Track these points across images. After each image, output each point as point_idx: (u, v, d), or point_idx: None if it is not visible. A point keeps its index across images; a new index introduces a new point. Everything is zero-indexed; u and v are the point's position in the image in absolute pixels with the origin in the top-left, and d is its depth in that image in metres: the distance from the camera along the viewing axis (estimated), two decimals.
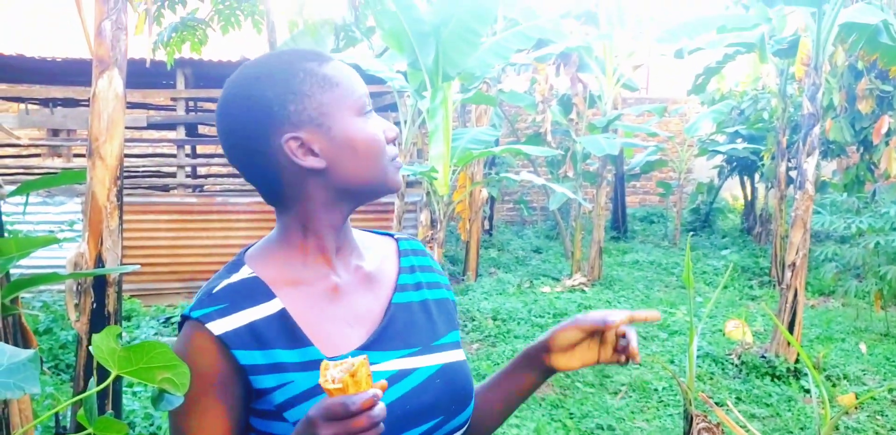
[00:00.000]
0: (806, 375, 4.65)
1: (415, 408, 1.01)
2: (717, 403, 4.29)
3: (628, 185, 10.68)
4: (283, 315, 0.99)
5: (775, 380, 4.72)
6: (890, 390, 4.54)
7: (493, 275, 7.88)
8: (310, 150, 0.98)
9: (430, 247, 5.75)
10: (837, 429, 4.05)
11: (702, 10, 7.51)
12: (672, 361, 5.13)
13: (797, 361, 4.80)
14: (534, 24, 6.13)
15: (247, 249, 1.08)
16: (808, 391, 4.49)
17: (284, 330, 0.98)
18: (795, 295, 4.97)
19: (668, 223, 10.18)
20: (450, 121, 5.65)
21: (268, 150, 0.98)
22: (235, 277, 1.01)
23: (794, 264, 5.00)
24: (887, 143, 7.64)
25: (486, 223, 9.81)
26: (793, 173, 7.21)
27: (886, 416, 4.22)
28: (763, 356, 4.94)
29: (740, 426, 3.87)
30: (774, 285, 7.09)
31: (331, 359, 0.93)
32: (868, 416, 4.22)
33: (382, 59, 6.14)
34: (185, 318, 0.98)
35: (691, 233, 9.80)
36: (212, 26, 4.32)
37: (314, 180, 1.01)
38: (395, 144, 1.05)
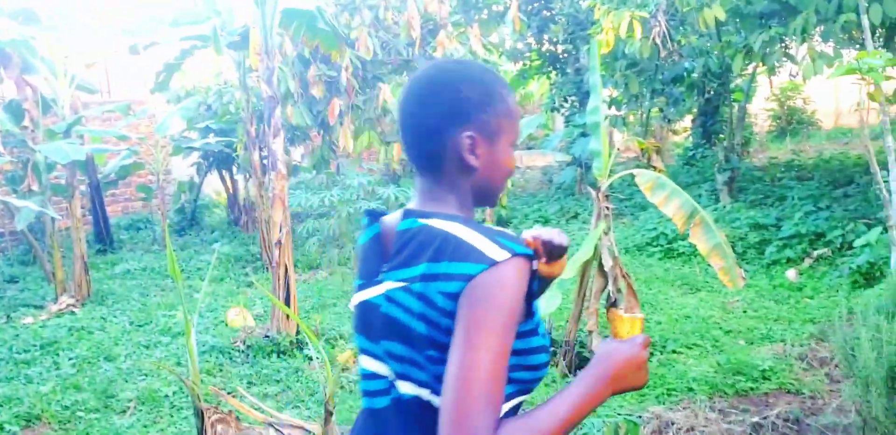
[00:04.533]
0: (308, 344, 4.86)
1: None
2: (229, 393, 4.22)
3: (107, 194, 9.97)
4: None
5: (281, 356, 4.84)
6: None
7: None
8: (474, 150, 1.19)
9: None
10: (343, 387, 4.30)
11: (152, 7, 7.32)
12: (179, 363, 4.91)
13: (298, 332, 4.99)
14: None
15: (430, 214, 1.18)
16: (311, 359, 4.69)
17: None
18: (286, 271, 5.16)
19: (155, 227, 9.81)
20: None
21: (446, 135, 1.18)
22: (496, 228, 1.15)
23: (279, 242, 5.17)
24: (342, 123, 8.43)
25: None
26: (267, 161, 7.50)
27: None
28: (266, 336, 5.03)
29: (255, 409, 3.85)
30: (267, 268, 7.31)
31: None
32: None
33: None
34: (515, 254, 1.08)
35: (180, 233, 9.60)
36: None
37: (465, 174, 1.21)
38: None
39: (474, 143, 1.18)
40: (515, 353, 1.09)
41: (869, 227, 6.15)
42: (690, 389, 3.87)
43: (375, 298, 1.21)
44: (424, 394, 1.14)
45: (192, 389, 3.62)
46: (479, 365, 1.01)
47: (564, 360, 4.23)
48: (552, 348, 4.39)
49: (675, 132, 12.32)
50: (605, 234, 4.10)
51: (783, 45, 8.30)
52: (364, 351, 1.26)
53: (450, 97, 1.18)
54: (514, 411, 1.16)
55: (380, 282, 1.20)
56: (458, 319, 1.06)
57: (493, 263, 1.06)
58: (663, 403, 3.73)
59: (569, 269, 3.91)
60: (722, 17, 7.39)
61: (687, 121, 11.85)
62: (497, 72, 1.25)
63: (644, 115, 10.31)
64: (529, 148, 9.97)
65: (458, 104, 1.18)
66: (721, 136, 10.03)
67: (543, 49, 10.56)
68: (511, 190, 8.89)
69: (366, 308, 1.23)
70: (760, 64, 8.98)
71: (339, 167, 8.31)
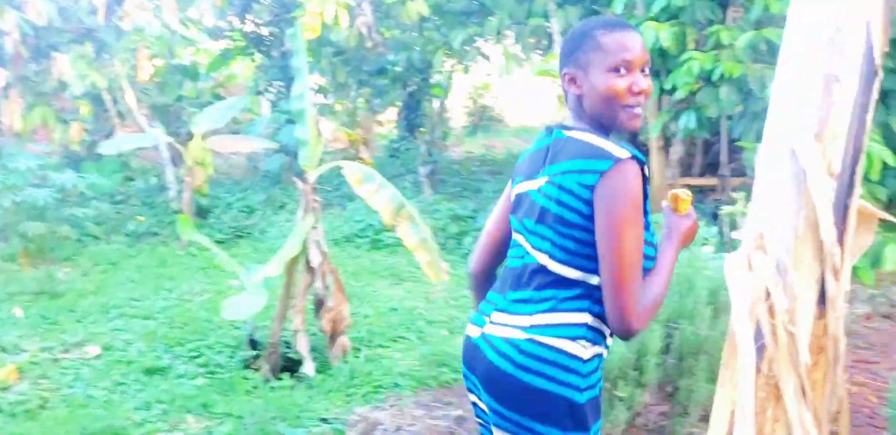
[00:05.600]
0: None
1: None
2: None
3: None
4: None
5: None
6: (47, 350, 4.32)
7: None
8: (573, 81, 1.57)
9: None
10: (2, 410, 3.62)
11: None
12: None
13: None
14: None
15: (572, 127, 1.58)
16: None
17: None
18: None
19: None
20: None
21: (561, 77, 1.60)
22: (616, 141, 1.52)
23: None
24: (7, 97, 7.28)
25: None
26: None
27: (50, 377, 3.99)
28: None
29: None
30: None
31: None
32: (31, 383, 3.92)
33: None
34: (633, 158, 1.45)
35: None
36: None
37: (578, 102, 1.57)
38: (637, 96, 1.52)
39: (572, 78, 1.56)
40: None
41: None
42: (397, 385, 3.82)
43: (530, 190, 1.60)
44: (543, 259, 1.54)
45: None
46: (624, 247, 1.40)
47: (268, 362, 3.96)
48: (255, 351, 4.10)
49: (380, 124, 12.51)
50: (314, 228, 3.90)
51: (475, 44, 8.77)
52: (514, 228, 1.67)
53: (561, 48, 1.61)
54: None
55: (537, 178, 1.59)
56: (598, 212, 1.45)
57: (618, 160, 1.43)
58: (370, 402, 3.63)
59: (274, 266, 3.66)
60: (424, 12, 7.55)
61: (391, 113, 12.08)
62: (607, 16, 1.68)
63: (351, 105, 10.29)
64: (234, 133, 9.45)
65: (562, 52, 1.59)
66: (423, 129, 10.34)
67: (247, 30, 10.07)
68: (213, 177, 8.33)
69: (521, 197, 1.64)
70: (457, 61, 9.40)
71: (3, 147, 7.16)
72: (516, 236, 1.66)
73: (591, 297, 1.51)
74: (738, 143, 5.58)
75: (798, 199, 1.31)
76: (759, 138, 5.38)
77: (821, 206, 1.25)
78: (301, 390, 3.74)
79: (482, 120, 15.19)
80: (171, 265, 6.40)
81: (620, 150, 1.44)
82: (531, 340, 1.51)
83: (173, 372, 4.03)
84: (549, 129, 1.65)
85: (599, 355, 1.55)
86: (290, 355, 4.05)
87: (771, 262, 1.33)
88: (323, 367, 4.01)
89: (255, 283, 3.64)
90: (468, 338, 1.67)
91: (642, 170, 1.46)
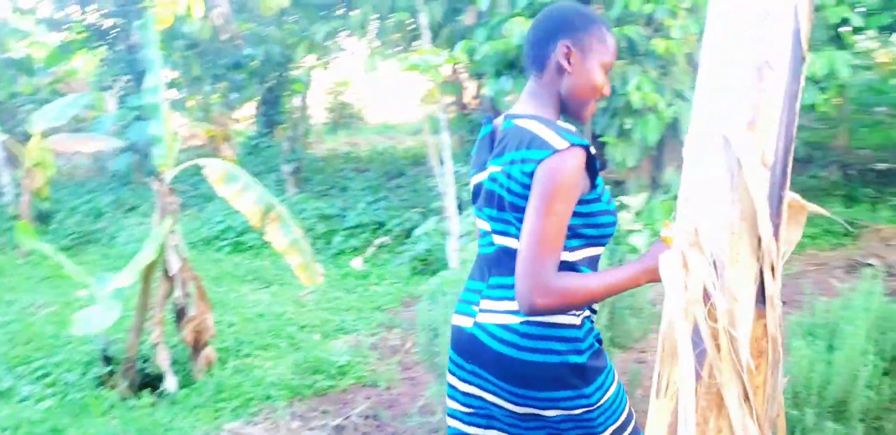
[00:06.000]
0: None
1: None
2: None
3: None
4: None
5: None
6: None
7: None
8: (568, 57, 1.58)
9: None
10: None
11: None
12: None
13: None
14: None
15: (519, 116, 1.61)
16: None
17: None
18: None
19: None
20: None
21: (555, 40, 1.59)
22: (562, 125, 1.55)
23: None
24: None
25: None
26: None
27: None
28: None
29: None
30: None
31: None
32: None
33: None
34: (573, 145, 1.47)
35: None
36: None
37: (560, 76, 1.60)
38: (602, 97, 1.64)
39: (569, 52, 1.57)
40: (581, 215, 1.53)
41: (424, 216, 6.58)
42: (269, 397, 3.60)
43: (483, 180, 1.65)
44: (512, 243, 1.57)
45: None
46: (543, 224, 1.44)
47: (125, 379, 3.64)
48: (110, 367, 3.76)
49: (235, 120, 12.04)
50: (171, 232, 3.61)
51: (335, 39, 8.56)
52: (478, 216, 1.72)
53: (558, 18, 1.61)
54: (589, 262, 1.61)
55: (486, 168, 1.64)
56: (532, 192, 1.48)
57: (555, 151, 1.46)
58: (241, 417, 3.40)
59: (128, 274, 3.35)
60: (284, 3, 7.28)
61: (248, 109, 11.65)
62: (601, 16, 1.65)
63: (204, 100, 9.81)
64: (77, 131, 8.77)
65: (562, 23, 1.60)
66: (284, 126, 10.02)
67: (90, 21, 9.40)
68: (55, 179, 7.70)
69: (477, 187, 1.69)
70: (318, 57, 9.15)
71: None
72: (482, 225, 1.71)
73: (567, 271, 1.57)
74: (600, 139, 5.70)
75: (732, 192, 1.25)
76: (620, 134, 5.48)
77: (758, 198, 1.20)
78: (163, 408, 3.47)
79: (342, 117, 14.97)
80: (10, 275, 5.87)
81: (560, 141, 1.48)
82: (527, 323, 1.56)
83: (17, 394, 3.64)
84: (490, 119, 1.73)
85: (588, 317, 1.62)
86: (150, 370, 3.76)
87: (707, 260, 1.26)
88: (187, 381, 3.74)
89: (107, 293, 3.32)
90: (460, 328, 1.67)
91: (588, 152, 1.50)
